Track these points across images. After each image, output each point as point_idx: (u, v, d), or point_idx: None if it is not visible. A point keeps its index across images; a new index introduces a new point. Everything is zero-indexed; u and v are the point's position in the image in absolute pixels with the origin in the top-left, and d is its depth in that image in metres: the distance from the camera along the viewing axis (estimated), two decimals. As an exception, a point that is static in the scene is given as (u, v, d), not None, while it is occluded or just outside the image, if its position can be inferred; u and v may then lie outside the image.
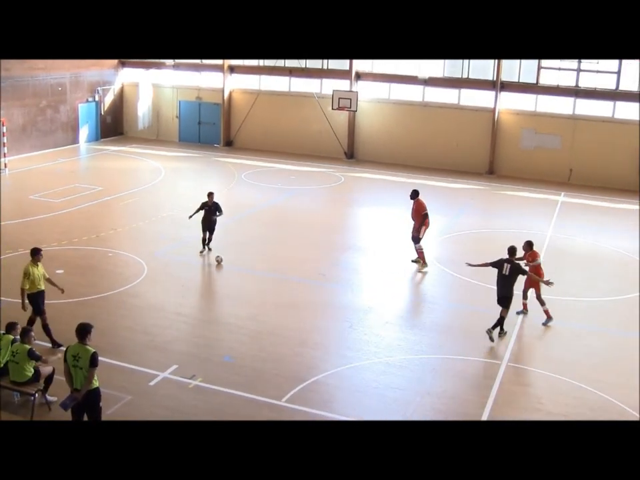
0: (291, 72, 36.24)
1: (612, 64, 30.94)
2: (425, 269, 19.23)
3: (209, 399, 12.51)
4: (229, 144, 37.95)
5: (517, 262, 15.54)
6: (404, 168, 33.64)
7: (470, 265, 16.08)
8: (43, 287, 14.10)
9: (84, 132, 37.01)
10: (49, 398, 11.92)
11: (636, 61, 29.60)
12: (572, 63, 31.69)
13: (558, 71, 32.08)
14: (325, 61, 35.31)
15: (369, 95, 35.09)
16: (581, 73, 31.62)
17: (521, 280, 15.72)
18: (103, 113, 38.22)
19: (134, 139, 38.56)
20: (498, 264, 15.40)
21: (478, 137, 33.49)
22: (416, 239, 19.51)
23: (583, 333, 16.18)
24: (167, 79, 38.65)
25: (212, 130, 38.29)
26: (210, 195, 20.08)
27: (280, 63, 36.18)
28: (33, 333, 12.21)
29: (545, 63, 32.08)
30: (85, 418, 10.25)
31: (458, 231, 23.68)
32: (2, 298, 15.54)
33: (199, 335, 15.22)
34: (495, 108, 32.92)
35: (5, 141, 30.38)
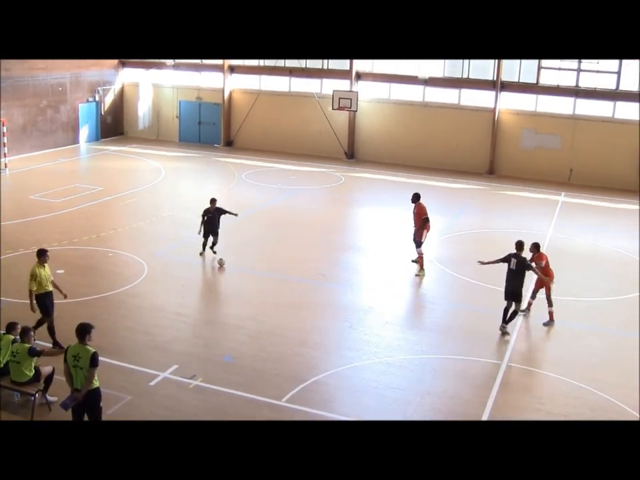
0: (291, 72, 36.24)
1: (612, 64, 30.94)
2: (422, 274, 19.13)
3: (209, 399, 12.51)
4: (229, 144, 37.96)
5: (524, 257, 15.62)
6: (404, 168, 33.64)
7: (482, 262, 16.24)
8: (50, 288, 14.06)
9: (84, 132, 37.02)
10: (49, 398, 11.92)
11: (636, 61, 29.60)
12: (572, 63, 31.69)
13: (558, 71, 32.09)
14: (325, 61, 35.31)
15: (369, 95, 35.09)
16: (581, 73, 31.63)
17: (532, 279, 15.77)
18: (103, 113, 38.24)
19: (134, 139, 38.57)
20: (506, 259, 15.68)
21: (478, 136, 33.49)
22: (418, 243, 19.39)
23: (583, 333, 16.18)
24: (167, 79, 38.66)
25: (212, 130, 38.29)
26: (212, 201, 19.68)
27: (280, 63, 36.19)
28: (32, 333, 12.21)
29: (545, 63, 32.08)
30: (85, 418, 10.26)
31: (458, 231, 23.68)
32: (2, 298, 15.54)
33: (199, 335, 15.23)
34: (495, 108, 32.92)
35: (5, 141, 30.38)
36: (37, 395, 11.72)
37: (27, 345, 11.84)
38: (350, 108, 34.05)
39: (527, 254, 15.88)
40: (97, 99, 37.65)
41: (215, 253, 19.63)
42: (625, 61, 30.36)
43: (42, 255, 14.04)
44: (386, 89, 35.03)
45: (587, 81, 31.62)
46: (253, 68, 37.24)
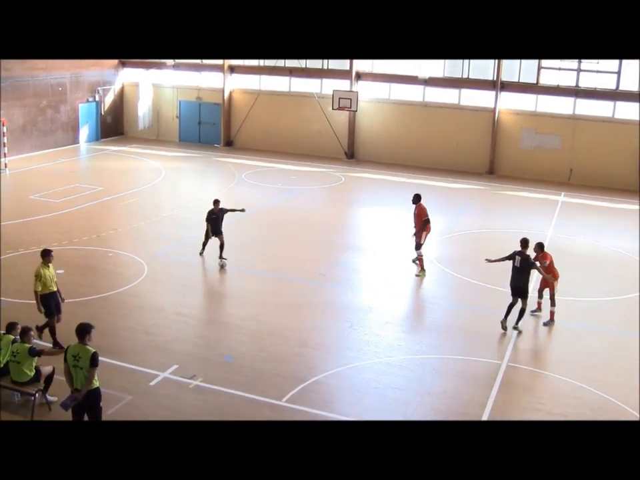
0: (291, 72, 36.24)
1: (612, 64, 30.93)
2: (422, 274, 19.11)
3: (209, 399, 12.51)
4: (229, 144, 37.96)
5: (528, 254, 15.70)
6: (404, 168, 33.64)
7: (489, 260, 16.32)
8: (54, 289, 14.04)
9: (84, 132, 37.02)
10: (50, 398, 11.92)
11: (636, 61, 29.59)
12: (572, 63, 31.69)
13: (558, 71, 32.08)
14: (325, 61, 35.31)
15: (369, 95, 35.09)
16: (581, 73, 31.62)
17: (538, 278, 16.06)
18: (103, 113, 38.24)
19: (134, 139, 38.57)
20: (511, 256, 15.81)
21: (478, 136, 33.49)
22: (417, 245, 19.31)
23: (583, 332, 16.18)
24: (167, 79, 38.66)
25: (212, 130, 38.29)
26: (216, 202, 19.37)
27: (280, 63, 36.18)
28: (32, 333, 12.21)
29: (545, 63, 32.08)
30: (86, 418, 10.26)
31: (458, 231, 23.68)
32: (2, 298, 15.53)
33: (200, 335, 15.23)
34: (495, 108, 32.92)
35: (5, 141, 30.38)
36: (37, 394, 11.72)
37: (27, 345, 11.85)
38: (350, 108, 34.06)
39: (531, 253, 15.92)
40: (97, 98, 37.66)
41: (224, 259, 19.13)
42: (625, 61, 30.36)
43: (46, 255, 14.01)
44: (386, 88, 35.03)
45: (587, 81, 31.61)
46: (253, 68, 37.24)
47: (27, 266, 18.41)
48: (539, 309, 16.71)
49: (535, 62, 32.15)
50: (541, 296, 16.66)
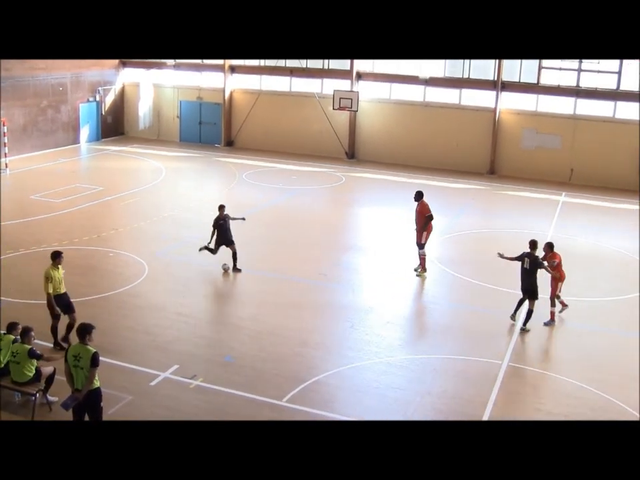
0: (292, 72, 36.24)
1: (613, 64, 30.93)
2: (424, 275, 19.08)
3: (209, 399, 12.51)
4: (230, 144, 37.96)
5: (536, 255, 15.80)
6: (405, 168, 33.63)
7: (501, 255, 16.38)
8: (63, 290, 14.01)
9: (85, 132, 37.03)
10: (50, 398, 11.92)
11: (636, 61, 29.57)
12: (573, 63, 31.68)
13: (559, 70, 32.08)
14: (326, 60, 35.30)
15: (370, 94, 35.08)
16: (581, 73, 31.61)
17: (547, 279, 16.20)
18: (103, 113, 38.24)
19: (135, 139, 38.57)
20: (520, 258, 15.93)
21: (479, 136, 33.49)
22: (420, 244, 19.17)
23: (583, 332, 16.18)
24: (167, 79, 38.66)
25: (213, 130, 38.30)
26: (221, 207, 19.05)
27: (281, 62, 36.17)
28: (33, 333, 12.20)
29: (546, 62, 32.07)
30: (86, 418, 10.26)
31: (459, 231, 23.68)
32: (2, 298, 15.53)
33: (200, 335, 15.22)
34: (495, 108, 32.91)
35: (6, 141, 30.38)
36: (37, 395, 11.72)
37: (27, 346, 11.84)
38: (351, 108, 34.06)
39: (540, 253, 16.00)
40: (98, 98, 37.66)
41: (238, 270, 18.81)
42: (625, 61, 30.35)
43: (57, 257, 13.95)
44: (387, 88, 35.03)
45: (587, 81, 31.61)
46: (254, 68, 37.24)
47: (27, 266, 18.48)
48: (563, 306, 16.67)
49: (535, 62, 32.14)
50: (558, 296, 16.60)
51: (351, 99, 33.89)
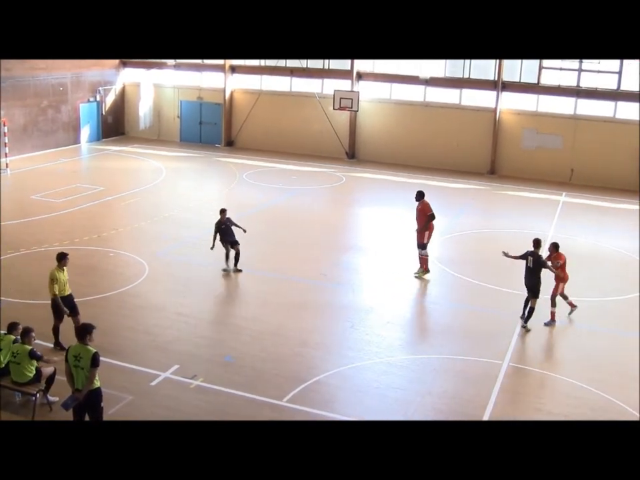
0: (292, 72, 36.24)
1: (613, 64, 30.92)
2: (426, 276, 19.00)
3: (210, 399, 12.52)
4: (230, 144, 37.96)
5: (539, 254, 15.90)
6: (405, 168, 33.63)
7: (505, 254, 16.49)
8: (68, 292, 13.97)
9: (85, 132, 37.03)
10: (50, 398, 11.91)
11: (637, 61, 29.56)
12: (573, 63, 31.67)
13: (559, 71, 32.07)
14: (326, 61, 35.30)
15: (370, 95, 35.08)
16: (582, 73, 31.60)
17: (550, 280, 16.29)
18: (104, 113, 38.24)
19: (135, 139, 38.57)
20: (524, 256, 16.05)
21: (479, 136, 33.48)
22: (422, 245, 19.00)
23: (583, 332, 16.18)
24: (168, 79, 38.66)
25: (213, 130, 38.30)
26: (222, 211, 18.93)
27: (281, 62, 36.17)
28: (33, 334, 12.19)
29: (546, 63, 32.07)
30: (87, 418, 10.26)
31: (459, 231, 23.68)
32: (2, 298, 15.53)
33: (200, 335, 15.22)
34: (496, 108, 32.91)
35: (7, 141, 30.37)
36: (37, 395, 11.72)
37: (28, 347, 11.83)
38: (351, 108, 34.06)
39: (545, 253, 16.06)
40: (98, 99, 37.66)
41: (239, 270, 18.80)
42: (626, 61, 30.34)
43: (62, 258, 13.91)
44: (387, 89, 35.02)
45: (588, 81, 31.60)
46: (254, 68, 37.24)
47: (28, 266, 18.49)
48: (572, 306, 16.70)
49: (536, 62, 32.13)
50: (565, 297, 16.59)
51: (352, 99, 33.90)
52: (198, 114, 38.48)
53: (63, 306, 13.74)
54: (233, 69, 37.39)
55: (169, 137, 39.00)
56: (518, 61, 32.63)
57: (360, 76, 35.11)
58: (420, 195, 19.17)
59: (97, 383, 10.20)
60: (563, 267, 16.24)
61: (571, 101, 31.98)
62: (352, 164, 34.82)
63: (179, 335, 15.00)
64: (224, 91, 37.32)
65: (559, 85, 32.11)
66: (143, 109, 39.08)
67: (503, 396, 13.02)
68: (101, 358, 10.34)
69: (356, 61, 34.44)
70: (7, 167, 29.58)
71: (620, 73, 30.91)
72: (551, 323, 16.19)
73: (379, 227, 24.39)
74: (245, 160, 34.54)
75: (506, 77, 32.85)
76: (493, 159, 33.41)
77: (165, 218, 23.78)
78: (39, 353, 11.93)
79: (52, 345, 13.94)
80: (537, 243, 16.00)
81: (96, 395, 10.21)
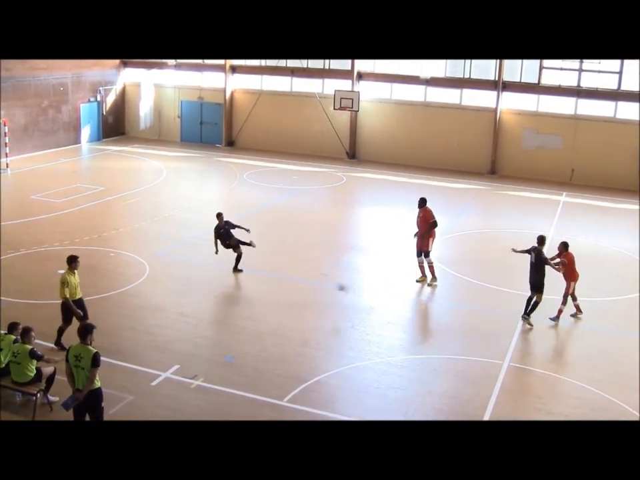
0: (293, 72, 36.24)
1: (614, 64, 30.92)
2: (435, 283, 18.63)
3: (210, 399, 12.52)
4: (231, 144, 37.96)
5: (541, 250, 16.11)
6: (406, 168, 33.63)
7: (514, 250, 16.89)
8: (78, 296, 13.90)
9: (86, 132, 37.04)
10: (51, 398, 11.92)
11: (637, 61, 29.55)
12: (574, 63, 31.67)
13: (560, 71, 32.07)
14: (327, 60, 35.30)
15: (371, 95, 35.08)
16: (582, 73, 31.60)
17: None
18: (104, 113, 38.25)
19: (136, 139, 38.58)
20: (528, 251, 16.36)
21: (480, 136, 33.48)
22: (426, 253, 18.66)
23: (584, 332, 16.19)
24: (168, 79, 38.66)
25: (214, 130, 38.30)
26: (219, 215, 18.83)
27: (282, 62, 36.17)
28: (33, 333, 12.19)
29: (547, 63, 32.07)
30: (87, 418, 10.26)
31: (459, 231, 23.68)
32: (2, 298, 15.53)
33: (201, 335, 15.23)
34: (496, 108, 32.90)
35: (7, 141, 30.36)
36: (38, 395, 11.72)
37: (28, 347, 11.84)
38: (351, 108, 34.06)
39: (552, 250, 16.19)
40: (99, 99, 37.67)
41: (240, 271, 18.77)
42: (626, 61, 30.33)
43: (72, 261, 13.80)
44: (387, 89, 35.03)
45: (588, 81, 31.60)
46: (255, 68, 37.25)
47: (28, 266, 18.50)
48: (579, 311, 16.72)
49: (536, 62, 32.13)
50: (574, 298, 16.65)
51: (352, 99, 33.90)
52: (198, 114, 38.48)
53: (64, 310, 13.64)
54: (234, 69, 37.41)
55: (170, 137, 39.01)
56: (518, 61, 32.63)
57: (360, 76, 35.11)
58: (422, 202, 18.83)
59: (98, 383, 10.20)
60: (570, 265, 16.32)
61: (571, 101, 31.98)
62: (352, 164, 34.82)
63: (180, 335, 15.00)
64: (224, 90, 37.33)
65: (560, 85, 32.11)
66: (144, 109, 39.10)
67: (503, 396, 13.02)
68: (102, 358, 10.34)
69: (356, 61, 34.45)
70: (7, 166, 29.59)
71: (620, 73, 30.91)
72: (556, 319, 16.22)
73: (379, 227, 24.38)
74: (246, 160, 34.54)
75: (506, 77, 32.85)
76: (493, 159, 33.41)
77: (165, 218, 23.78)
78: (39, 352, 11.93)
79: (52, 345, 13.90)
80: (540, 240, 16.21)
81: (96, 395, 10.21)
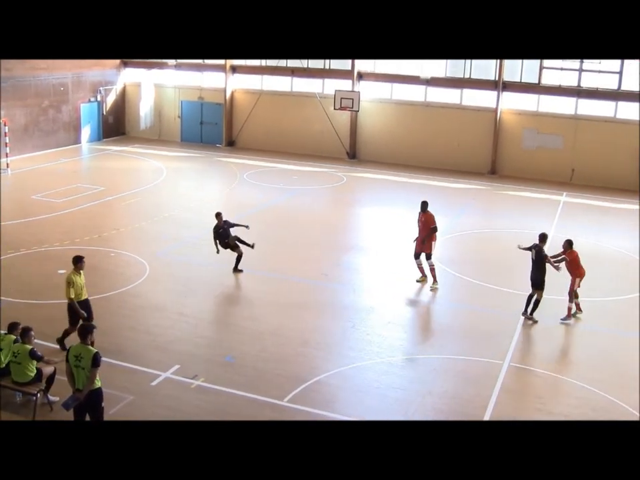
0: (293, 72, 36.24)
1: (614, 64, 30.91)
2: (436, 286, 18.50)
3: (210, 399, 12.52)
4: (231, 144, 37.96)
5: (542, 248, 16.24)
6: (406, 168, 33.63)
7: (520, 247, 16.95)
8: (84, 297, 13.77)
9: (86, 132, 37.03)
10: (51, 398, 11.92)
11: (637, 61, 29.54)
12: (574, 63, 31.66)
13: (560, 71, 32.06)
14: (327, 60, 35.30)
15: (371, 94, 35.07)
16: (583, 73, 31.60)
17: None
18: (105, 113, 38.25)
19: (136, 139, 38.58)
20: (530, 248, 16.48)
21: (480, 136, 33.48)
22: (428, 255, 18.55)
23: (584, 332, 16.19)
24: (169, 79, 38.66)
25: (214, 130, 38.30)
26: (218, 215, 18.77)
27: (282, 62, 36.17)
28: (32, 333, 12.19)
29: (547, 63, 32.06)
30: (87, 418, 10.27)
31: (460, 231, 23.67)
32: (2, 298, 15.53)
33: (201, 335, 15.23)
34: (497, 108, 32.90)
35: (7, 141, 30.35)
36: (38, 394, 11.72)
37: (28, 347, 11.83)
38: (352, 108, 34.05)
39: (554, 250, 16.25)
40: (99, 99, 37.67)
41: (240, 271, 18.78)
42: (626, 61, 30.33)
43: (78, 261, 13.64)
44: (388, 89, 35.02)
45: (588, 81, 31.60)
46: (255, 68, 37.25)
47: (28, 266, 18.51)
48: (578, 309, 16.74)
49: (536, 62, 32.13)
50: (576, 296, 16.68)
51: (352, 99, 33.89)
52: (199, 114, 38.48)
53: (70, 312, 13.50)
54: (234, 69, 37.41)
55: (170, 137, 39.00)
56: (519, 61, 32.63)
57: (361, 76, 35.10)
58: (424, 206, 18.68)
59: (98, 383, 10.20)
60: (575, 262, 16.45)
61: (571, 101, 31.98)
62: (353, 164, 34.82)
63: (180, 335, 15.00)
64: (225, 90, 37.33)
65: (560, 85, 32.11)
66: (144, 109, 39.09)
67: (503, 396, 13.02)
68: (102, 358, 10.34)
69: (357, 61, 34.45)
70: (7, 166, 29.58)
71: (621, 73, 30.90)
72: (567, 318, 16.26)
73: (379, 227, 24.38)
74: (246, 160, 34.54)
75: (507, 77, 32.85)
76: (493, 158, 33.40)
77: (165, 218, 23.78)
78: (39, 353, 11.93)
79: (52, 344, 13.85)
80: (541, 237, 16.38)
81: (97, 395, 10.21)
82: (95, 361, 10.03)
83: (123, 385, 12.64)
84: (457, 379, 13.67)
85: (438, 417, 12.27)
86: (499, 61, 32.31)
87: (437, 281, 18.56)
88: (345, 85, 34.94)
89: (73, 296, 13.44)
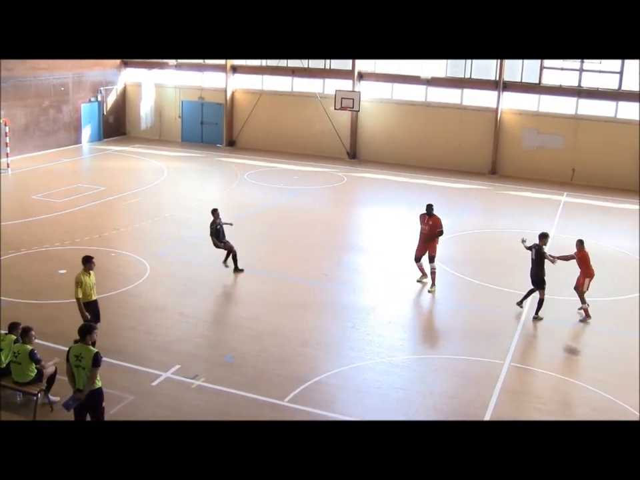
0: (294, 72, 36.24)
1: (614, 64, 30.90)
2: (433, 289, 18.33)
3: (211, 399, 12.52)
4: (232, 144, 37.96)
5: (541, 246, 16.35)
6: (406, 168, 33.62)
7: (523, 240, 17.01)
8: (94, 297, 13.66)
9: (86, 132, 37.04)
10: (52, 398, 11.92)
11: (638, 61, 29.53)
12: (574, 63, 31.65)
13: (560, 71, 32.05)
14: (328, 60, 35.30)
15: (372, 94, 35.06)
16: (583, 73, 31.59)
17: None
18: (105, 113, 38.24)
19: (136, 139, 38.58)
20: (530, 248, 16.59)
21: (480, 136, 33.47)
22: (431, 257, 18.39)
23: (585, 332, 16.18)
24: (169, 79, 38.66)
25: (214, 130, 38.30)
26: (214, 211, 18.67)
27: (282, 62, 36.16)
28: (32, 332, 12.18)
29: (548, 63, 32.06)
30: (88, 418, 10.27)
31: (460, 231, 23.66)
32: (2, 298, 15.53)
33: (202, 335, 15.23)
34: (497, 108, 32.89)
35: (8, 141, 30.35)
36: (39, 394, 11.72)
37: (29, 347, 11.83)
38: (352, 108, 34.04)
39: (554, 250, 16.34)
40: (100, 99, 37.68)
41: (241, 270, 18.69)
42: (627, 61, 30.32)
43: (87, 261, 13.57)
44: (388, 88, 35.02)
45: (589, 81, 31.59)
46: (256, 68, 37.25)
47: (28, 266, 18.51)
48: (587, 316, 16.65)
49: (537, 62, 32.12)
50: (583, 301, 16.68)
51: (353, 99, 33.88)
52: (199, 114, 38.48)
53: (85, 311, 13.34)
54: (234, 69, 37.41)
55: (170, 137, 39.01)
56: (519, 61, 32.62)
57: (361, 76, 35.10)
58: (430, 209, 18.65)
59: (99, 383, 10.21)
60: (585, 262, 16.52)
61: (572, 101, 31.97)
62: (353, 164, 34.82)
63: (180, 335, 15.01)
64: (225, 90, 37.34)
65: (560, 85, 32.10)
66: (144, 109, 39.09)
67: (504, 396, 13.02)
68: (103, 358, 10.34)
69: (357, 61, 34.44)
70: (8, 166, 29.58)
71: (621, 72, 30.89)
72: (586, 318, 16.40)
73: (380, 227, 24.37)
74: (246, 160, 34.54)
75: (507, 77, 32.84)
76: (494, 158, 33.40)
77: (166, 218, 23.78)
78: (38, 356, 11.87)
79: (52, 344, 13.80)
80: (542, 236, 16.50)
81: (97, 395, 10.22)
82: (96, 360, 10.04)
83: (123, 385, 12.65)
84: (457, 379, 13.67)
85: (439, 417, 12.27)
86: (499, 61, 32.31)
87: (434, 285, 18.43)
88: (345, 85, 34.94)
89: (80, 296, 13.33)
